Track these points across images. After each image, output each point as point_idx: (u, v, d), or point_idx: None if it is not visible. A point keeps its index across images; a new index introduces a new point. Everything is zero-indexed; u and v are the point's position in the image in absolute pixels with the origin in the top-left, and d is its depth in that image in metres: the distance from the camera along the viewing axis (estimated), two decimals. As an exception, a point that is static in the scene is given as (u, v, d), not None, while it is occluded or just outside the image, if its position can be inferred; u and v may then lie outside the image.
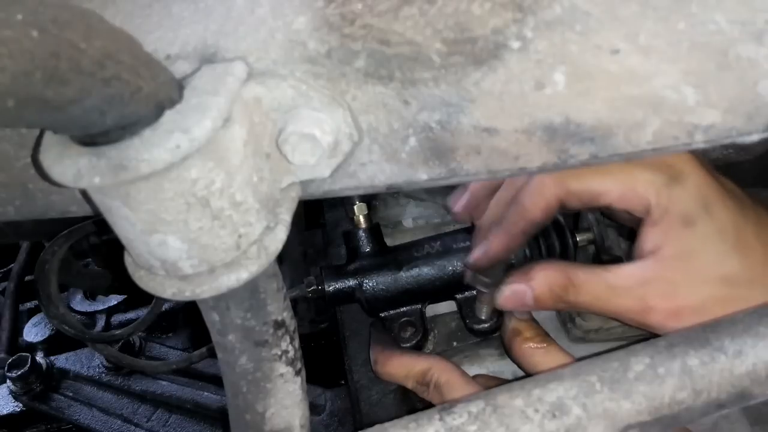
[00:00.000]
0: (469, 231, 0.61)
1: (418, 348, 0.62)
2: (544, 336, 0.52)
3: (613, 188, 0.47)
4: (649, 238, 0.47)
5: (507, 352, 0.55)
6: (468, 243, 0.59)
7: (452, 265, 0.59)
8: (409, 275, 0.60)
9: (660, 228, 0.47)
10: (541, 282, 0.49)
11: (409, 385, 0.55)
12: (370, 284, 0.60)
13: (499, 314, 0.59)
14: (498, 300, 0.51)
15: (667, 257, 0.46)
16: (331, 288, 0.60)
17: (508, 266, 0.55)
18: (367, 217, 0.63)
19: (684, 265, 0.46)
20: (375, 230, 0.63)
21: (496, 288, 0.52)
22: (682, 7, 0.29)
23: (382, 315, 0.62)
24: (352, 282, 0.60)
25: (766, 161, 0.58)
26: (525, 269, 0.50)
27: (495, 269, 0.55)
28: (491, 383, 0.54)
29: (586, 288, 0.48)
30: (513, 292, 0.50)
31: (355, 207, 0.63)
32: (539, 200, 0.49)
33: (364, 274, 0.60)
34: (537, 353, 0.51)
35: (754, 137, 0.31)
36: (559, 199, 0.49)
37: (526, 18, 0.29)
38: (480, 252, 0.54)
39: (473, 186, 0.57)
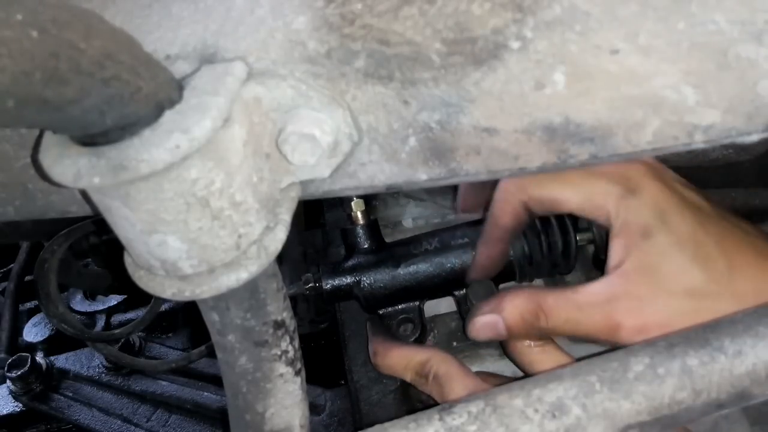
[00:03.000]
0: (466, 227, 0.61)
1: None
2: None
3: (572, 197, 0.49)
4: (614, 251, 0.48)
5: (504, 350, 0.55)
6: (466, 239, 0.59)
7: (450, 262, 0.59)
8: (407, 272, 0.59)
9: (621, 240, 0.48)
10: (512, 312, 0.50)
11: (408, 377, 0.55)
12: (368, 281, 0.60)
13: None
14: (470, 332, 0.52)
15: (630, 271, 0.47)
16: (328, 285, 0.60)
17: (503, 271, 0.58)
18: (365, 213, 0.63)
19: (647, 279, 0.47)
20: (373, 226, 0.63)
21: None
22: (682, 7, 0.29)
23: (381, 312, 0.62)
24: (349, 279, 0.60)
25: (766, 161, 0.58)
26: (496, 299, 0.52)
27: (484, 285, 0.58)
28: (489, 379, 0.54)
29: (556, 312, 0.49)
30: (484, 324, 0.51)
31: (353, 203, 0.63)
32: (506, 206, 0.53)
33: (361, 271, 0.60)
34: (534, 352, 0.51)
35: (754, 137, 0.31)
36: (524, 204, 0.52)
37: (525, 18, 0.29)
38: (472, 268, 0.59)
39: (462, 186, 0.62)
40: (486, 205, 0.62)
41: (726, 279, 0.46)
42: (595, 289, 0.48)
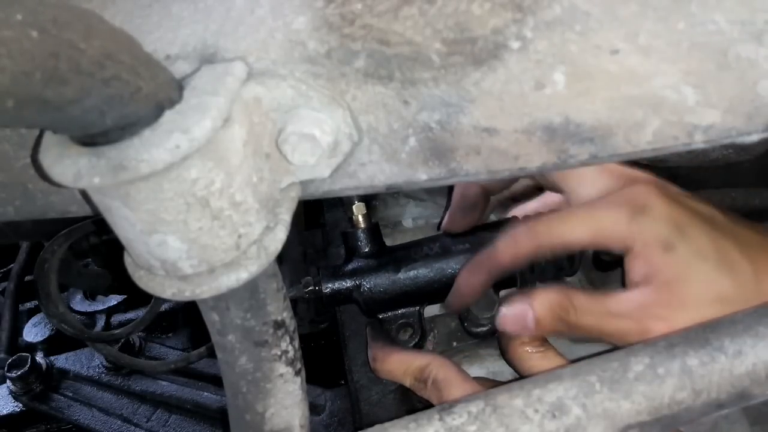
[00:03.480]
0: (468, 233, 0.61)
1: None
2: (542, 340, 0.52)
3: (582, 235, 0.49)
4: (636, 270, 0.48)
5: (503, 354, 0.55)
6: (467, 245, 0.59)
7: (451, 268, 0.59)
8: (407, 277, 0.59)
9: (643, 259, 0.48)
10: (542, 303, 0.49)
11: (407, 382, 0.55)
12: (368, 285, 0.59)
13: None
14: (499, 322, 0.51)
15: (658, 284, 0.47)
16: (328, 289, 0.60)
17: (504, 278, 0.57)
18: (366, 217, 0.63)
19: (675, 289, 0.47)
20: (374, 230, 0.63)
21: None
22: (681, 7, 0.29)
23: (380, 316, 0.62)
24: (349, 283, 0.60)
25: (766, 161, 0.58)
26: (526, 292, 0.51)
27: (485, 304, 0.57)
28: (488, 385, 0.54)
29: (587, 309, 0.49)
30: (514, 314, 0.50)
31: (354, 207, 0.63)
32: (511, 249, 0.52)
33: (362, 275, 0.60)
34: (534, 357, 0.51)
35: (754, 137, 0.31)
36: (531, 253, 0.51)
37: (525, 18, 0.29)
38: (450, 295, 0.58)
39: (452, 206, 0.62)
40: (472, 226, 0.62)
41: (753, 283, 0.46)
42: (627, 296, 0.48)
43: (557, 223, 0.50)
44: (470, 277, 0.56)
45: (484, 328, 0.61)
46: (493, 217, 0.68)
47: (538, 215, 0.52)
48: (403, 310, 0.62)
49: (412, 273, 0.59)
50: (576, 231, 0.49)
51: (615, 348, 0.42)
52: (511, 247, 0.52)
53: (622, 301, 0.48)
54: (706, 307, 0.46)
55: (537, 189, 0.63)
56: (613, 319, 0.48)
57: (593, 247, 0.51)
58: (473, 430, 0.35)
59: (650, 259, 0.47)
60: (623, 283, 0.51)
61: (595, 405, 0.35)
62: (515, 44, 0.30)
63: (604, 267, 0.64)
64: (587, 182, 0.52)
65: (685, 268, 0.46)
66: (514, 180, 0.64)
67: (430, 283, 0.59)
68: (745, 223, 0.50)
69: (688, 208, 0.48)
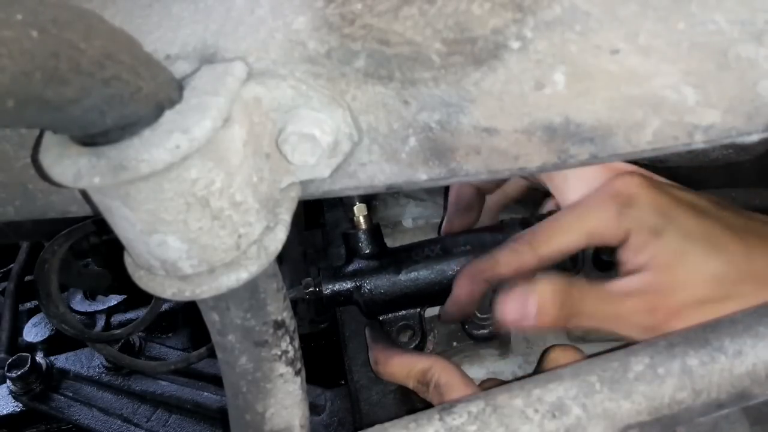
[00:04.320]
0: (469, 234, 0.61)
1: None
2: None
3: (578, 240, 0.50)
4: (630, 260, 0.49)
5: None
6: (468, 247, 0.59)
7: (451, 269, 0.59)
8: (407, 278, 0.59)
9: (635, 249, 0.48)
10: (545, 288, 0.48)
11: (410, 384, 0.55)
12: (369, 287, 0.59)
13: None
14: (498, 310, 0.49)
15: (653, 269, 0.47)
16: (328, 291, 0.60)
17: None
18: (367, 218, 0.62)
19: (670, 272, 0.47)
20: (375, 231, 0.63)
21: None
22: (681, 7, 0.29)
23: (381, 318, 0.62)
24: (350, 284, 0.60)
25: (766, 161, 0.58)
26: (528, 281, 0.50)
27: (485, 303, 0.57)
28: (495, 386, 0.54)
29: (591, 296, 0.48)
30: (515, 301, 0.48)
31: (355, 208, 0.62)
32: (515, 262, 0.51)
33: (362, 277, 0.60)
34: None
35: (754, 137, 0.31)
36: (532, 269, 0.51)
37: (525, 18, 0.29)
38: (447, 303, 0.57)
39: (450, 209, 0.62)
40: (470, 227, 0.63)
41: (745, 262, 0.46)
42: (626, 281, 0.48)
43: (552, 234, 0.50)
44: (469, 285, 0.55)
45: (485, 331, 0.60)
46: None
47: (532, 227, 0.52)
48: (403, 312, 0.62)
49: (412, 274, 0.59)
50: (572, 238, 0.50)
51: (615, 348, 0.42)
52: (514, 260, 0.51)
53: (623, 285, 0.48)
54: (701, 287, 0.46)
55: (533, 189, 0.63)
56: (617, 300, 0.47)
57: (593, 245, 0.51)
58: (473, 430, 0.35)
59: (642, 247, 0.47)
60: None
61: (595, 405, 0.35)
62: (515, 44, 0.30)
63: (604, 267, 0.64)
64: (573, 180, 0.52)
65: (676, 252, 0.47)
66: (506, 178, 0.64)
67: (431, 284, 0.59)
68: (731, 207, 0.50)
69: (673, 195, 0.49)
